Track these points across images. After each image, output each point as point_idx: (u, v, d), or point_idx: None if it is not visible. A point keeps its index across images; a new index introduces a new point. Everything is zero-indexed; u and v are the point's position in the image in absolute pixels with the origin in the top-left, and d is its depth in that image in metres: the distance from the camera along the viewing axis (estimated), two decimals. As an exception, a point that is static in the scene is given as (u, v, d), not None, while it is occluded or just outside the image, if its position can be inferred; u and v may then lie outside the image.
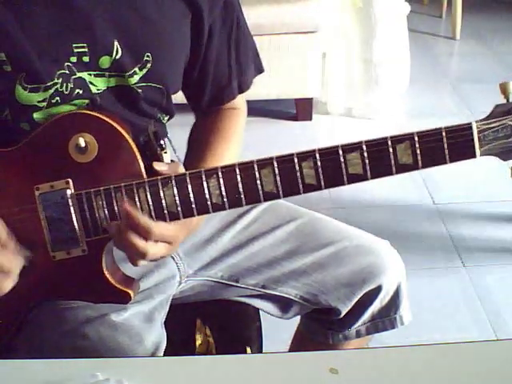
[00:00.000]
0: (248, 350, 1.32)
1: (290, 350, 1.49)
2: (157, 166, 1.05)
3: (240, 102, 1.33)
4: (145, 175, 1.05)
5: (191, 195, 1.02)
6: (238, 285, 1.30)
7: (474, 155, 0.98)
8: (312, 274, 1.29)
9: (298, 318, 1.42)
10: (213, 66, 1.24)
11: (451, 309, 2.22)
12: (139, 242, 1.01)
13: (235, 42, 1.25)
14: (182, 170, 1.05)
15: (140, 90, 1.13)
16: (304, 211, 1.35)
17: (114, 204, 1.03)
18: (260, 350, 1.36)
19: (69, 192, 1.04)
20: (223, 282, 1.30)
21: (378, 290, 1.29)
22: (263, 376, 0.92)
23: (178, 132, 1.34)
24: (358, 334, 1.35)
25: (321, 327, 1.38)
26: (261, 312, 1.39)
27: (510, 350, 0.98)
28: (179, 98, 1.28)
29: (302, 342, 1.46)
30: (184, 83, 1.26)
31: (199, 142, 1.25)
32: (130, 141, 1.05)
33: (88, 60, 1.07)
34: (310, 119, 3.35)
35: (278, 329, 1.49)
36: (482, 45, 4.22)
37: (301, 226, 1.31)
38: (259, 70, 1.33)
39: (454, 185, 2.83)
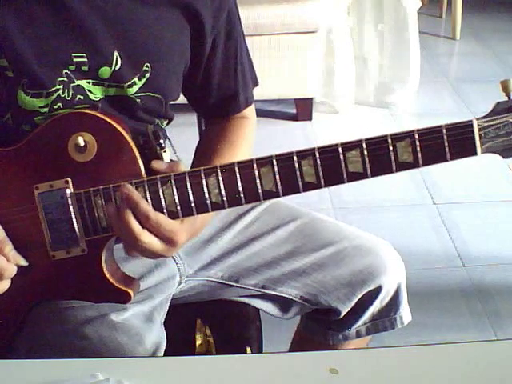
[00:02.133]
0: (248, 349, 1.32)
1: (290, 350, 1.49)
2: (155, 164, 1.05)
3: (249, 111, 1.33)
4: (144, 174, 1.04)
5: (190, 194, 1.02)
6: (238, 285, 1.30)
7: (474, 153, 0.97)
8: (312, 274, 1.29)
9: (298, 317, 1.42)
10: (218, 76, 1.24)
11: (451, 309, 2.22)
12: (135, 224, 1.00)
13: (240, 55, 1.26)
14: (182, 168, 1.05)
15: (138, 100, 1.13)
16: (304, 211, 1.35)
17: (113, 203, 1.03)
18: (260, 350, 1.36)
19: (68, 191, 1.04)
20: (223, 282, 1.30)
21: (378, 290, 1.29)
22: (263, 376, 0.92)
23: (178, 132, 1.35)
24: (358, 334, 1.35)
25: (321, 327, 1.37)
26: (261, 312, 1.39)
27: (510, 350, 0.98)
28: (180, 98, 1.28)
29: (301, 342, 1.46)
30: (187, 90, 1.26)
31: (207, 150, 1.25)
32: (129, 140, 1.05)
33: (87, 69, 1.08)
34: (310, 119, 3.34)
35: (278, 329, 1.49)
36: (482, 45, 4.22)
37: (301, 227, 1.31)
38: (256, 82, 1.33)
39: (454, 185, 2.83)
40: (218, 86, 1.25)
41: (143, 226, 1.01)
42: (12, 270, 1.04)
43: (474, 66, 3.96)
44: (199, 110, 1.37)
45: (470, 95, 3.55)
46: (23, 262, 1.05)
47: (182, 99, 1.32)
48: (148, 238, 1.02)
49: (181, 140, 1.28)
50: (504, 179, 2.81)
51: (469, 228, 2.59)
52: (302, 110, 3.33)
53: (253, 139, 1.33)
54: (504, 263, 2.41)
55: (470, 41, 4.27)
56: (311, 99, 3.29)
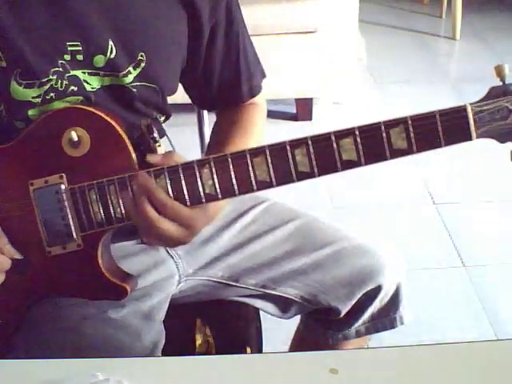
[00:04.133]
0: (248, 349, 1.32)
1: (290, 350, 1.49)
2: (150, 157, 1.05)
3: (258, 98, 1.33)
4: (137, 168, 1.04)
5: (184, 186, 1.01)
6: (238, 285, 1.30)
7: (469, 137, 0.95)
8: (312, 274, 1.29)
9: (298, 317, 1.42)
10: (219, 68, 1.24)
11: (451, 309, 2.22)
12: (151, 211, 1.00)
13: (243, 46, 1.26)
14: (178, 157, 1.04)
15: (135, 90, 1.13)
16: (303, 212, 1.35)
17: (108, 197, 1.03)
18: (260, 350, 1.36)
19: (63, 187, 1.04)
20: (223, 281, 1.30)
21: (378, 289, 1.29)
22: (263, 376, 0.92)
23: (177, 132, 1.34)
24: (358, 333, 1.35)
25: (321, 327, 1.38)
26: (261, 312, 1.39)
27: (510, 350, 0.97)
28: (179, 98, 1.28)
29: (301, 342, 1.46)
30: (190, 84, 1.26)
31: (219, 136, 1.25)
32: (123, 133, 1.05)
33: (82, 58, 1.08)
34: (310, 119, 3.34)
35: (278, 329, 1.49)
36: (482, 45, 4.22)
37: (300, 227, 1.31)
38: (263, 74, 1.33)
39: (455, 185, 2.83)
40: (220, 76, 1.25)
41: (160, 213, 1.01)
42: (7, 263, 1.04)
43: (474, 66, 3.95)
44: (202, 103, 1.36)
45: (470, 95, 3.50)
46: (18, 256, 1.05)
47: (181, 99, 1.32)
48: (166, 225, 1.01)
49: (181, 140, 1.28)
50: (504, 179, 2.81)
51: (469, 228, 2.59)
52: (302, 109, 3.33)
53: (264, 125, 1.33)
54: (504, 263, 2.41)
55: (470, 41, 4.27)
56: (311, 99, 3.30)
